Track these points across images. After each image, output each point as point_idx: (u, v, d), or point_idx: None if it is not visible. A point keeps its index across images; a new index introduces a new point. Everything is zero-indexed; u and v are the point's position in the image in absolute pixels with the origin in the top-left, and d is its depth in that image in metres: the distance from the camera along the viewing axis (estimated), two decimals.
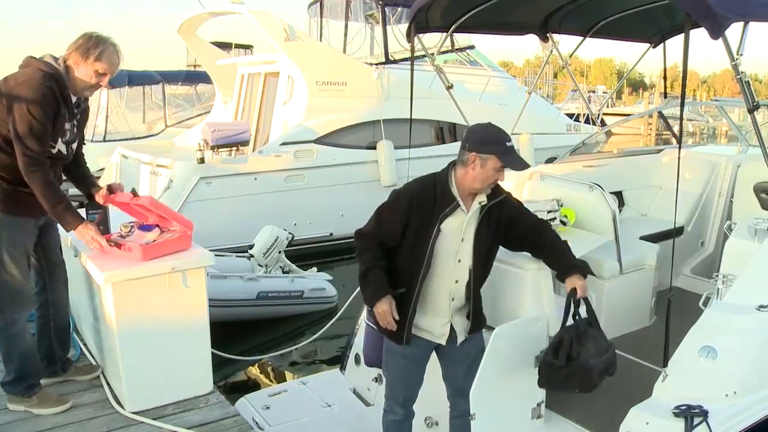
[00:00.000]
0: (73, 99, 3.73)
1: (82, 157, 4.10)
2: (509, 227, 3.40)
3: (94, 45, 3.61)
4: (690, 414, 3.09)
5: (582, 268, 3.43)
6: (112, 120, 14.66)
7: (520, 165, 3.23)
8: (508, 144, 3.18)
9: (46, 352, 4.17)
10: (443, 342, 3.44)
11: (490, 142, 3.17)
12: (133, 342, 3.85)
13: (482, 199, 3.26)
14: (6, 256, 3.66)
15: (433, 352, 3.54)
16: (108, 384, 4.18)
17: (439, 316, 3.39)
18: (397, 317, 3.22)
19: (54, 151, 3.64)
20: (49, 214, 3.72)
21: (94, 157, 13.97)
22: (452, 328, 3.42)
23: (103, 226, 4.04)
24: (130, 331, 3.83)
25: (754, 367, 3.37)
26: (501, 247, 3.55)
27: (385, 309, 3.19)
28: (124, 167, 10.97)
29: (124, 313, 3.79)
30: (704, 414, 3.10)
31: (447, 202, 3.22)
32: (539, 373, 3.47)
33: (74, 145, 3.85)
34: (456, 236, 3.25)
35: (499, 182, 3.32)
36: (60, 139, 3.67)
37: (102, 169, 11.93)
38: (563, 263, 3.47)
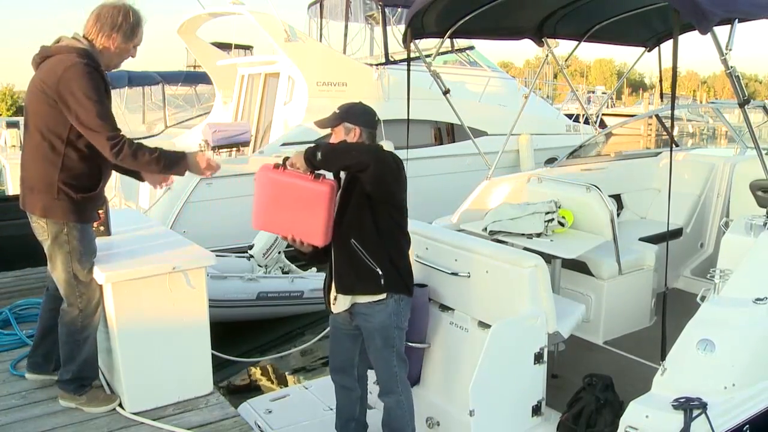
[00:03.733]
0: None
1: None
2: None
3: (137, 23, 3.54)
4: (689, 406, 3.13)
5: (312, 148, 3.37)
6: None
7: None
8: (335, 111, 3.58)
9: (46, 349, 4.15)
10: (333, 310, 3.63)
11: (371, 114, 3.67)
12: (133, 342, 3.85)
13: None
14: (87, 264, 3.67)
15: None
16: (108, 384, 4.19)
17: (327, 279, 3.64)
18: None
19: None
20: (166, 174, 3.75)
21: None
22: (332, 293, 3.59)
23: (104, 227, 4.02)
24: (130, 331, 3.83)
25: (751, 360, 3.40)
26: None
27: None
28: None
29: (124, 313, 3.80)
30: (703, 406, 3.13)
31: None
32: (558, 430, 3.76)
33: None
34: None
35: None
36: None
37: None
38: None
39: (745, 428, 3.30)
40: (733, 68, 3.56)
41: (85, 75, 3.31)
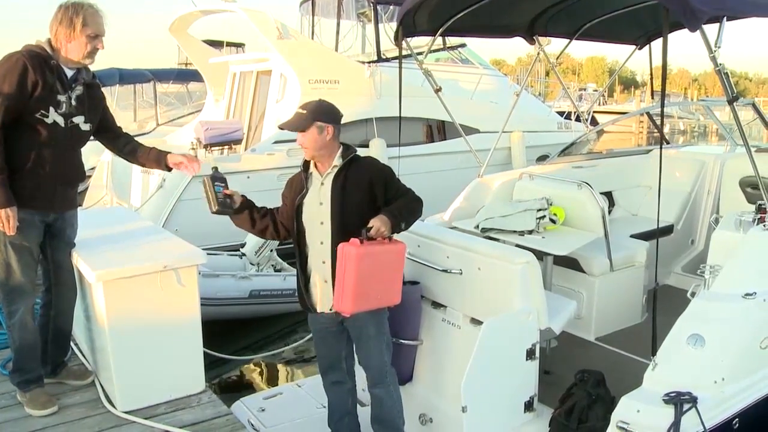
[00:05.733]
0: (69, 73, 3.72)
1: (121, 131, 4.29)
2: (371, 185, 3.53)
3: (75, 13, 3.62)
4: (679, 401, 3.14)
5: (391, 212, 3.41)
6: None
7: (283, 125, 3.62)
8: (298, 110, 3.59)
9: (40, 351, 4.15)
10: (322, 309, 3.62)
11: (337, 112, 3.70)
12: (124, 341, 3.85)
13: (336, 162, 3.57)
14: (3, 247, 3.67)
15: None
16: (100, 383, 4.17)
17: (315, 281, 3.62)
18: None
19: (48, 121, 3.61)
20: None
21: (84, 155, 13.93)
22: (325, 294, 3.57)
23: (229, 199, 3.78)
24: (121, 329, 3.82)
25: (741, 354, 3.43)
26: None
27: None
28: (116, 166, 10.92)
29: (116, 312, 3.79)
30: (693, 400, 3.15)
31: (307, 176, 3.65)
32: (550, 425, 3.76)
33: (80, 120, 3.82)
34: (315, 202, 3.56)
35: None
36: (53, 110, 3.63)
37: (93, 168, 11.89)
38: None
39: (734, 422, 3.33)
40: (722, 65, 3.58)
41: (2, 64, 3.50)
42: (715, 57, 3.54)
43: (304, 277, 3.65)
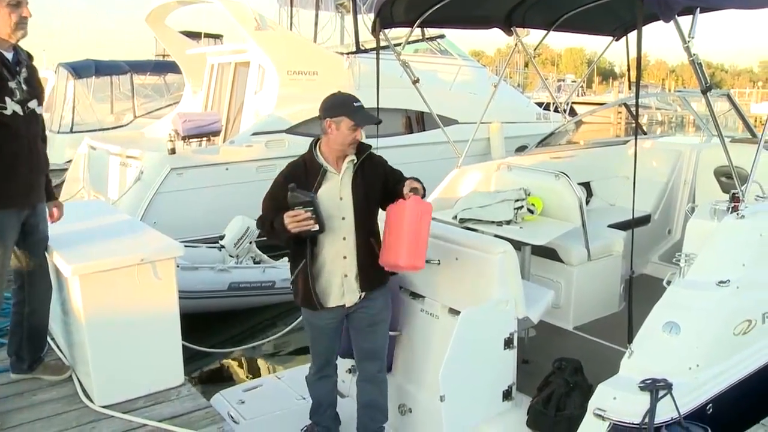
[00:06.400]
0: (9, 56, 3.58)
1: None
2: (387, 181, 3.58)
3: None
4: (655, 387, 3.21)
5: (415, 179, 3.51)
6: (78, 111, 14.42)
7: (371, 120, 3.49)
8: (356, 104, 3.45)
9: (16, 348, 4.11)
10: (341, 303, 3.57)
11: (339, 105, 3.45)
12: (101, 335, 3.83)
13: (352, 157, 3.51)
14: None
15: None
16: (77, 378, 4.15)
17: (334, 277, 3.54)
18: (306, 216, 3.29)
19: (7, 112, 3.51)
20: None
21: (61, 148, 13.83)
22: (345, 290, 3.56)
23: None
24: (98, 324, 3.80)
25: (714, 341, 3.49)
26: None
27: (288, 215, 3.29)
28: (93, 158, 10.82)
29: (92, 306, 3.77)
30: (669, 387, 3.21)
31: (316, 171, 3.48)
32: (528, 414, 3.80)
33: (35, 104, 3.70)
34: (334, 197, 3.47)
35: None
36: (9, 99, 3.52)
37: (70, 161, 11.77)
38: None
39: (708, 407, 3.38)
40: (696, 56, 3.61)
41: None
42: (689, 47, 3.57)
43: (312, 273, 3.52)
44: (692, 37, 3.56)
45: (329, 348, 3.81)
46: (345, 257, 3.52)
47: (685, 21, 3.60)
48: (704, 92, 3.79)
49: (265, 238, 8.34)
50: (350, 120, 3.40)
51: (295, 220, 3.28)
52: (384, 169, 3.62)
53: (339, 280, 3.55)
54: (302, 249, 3.49)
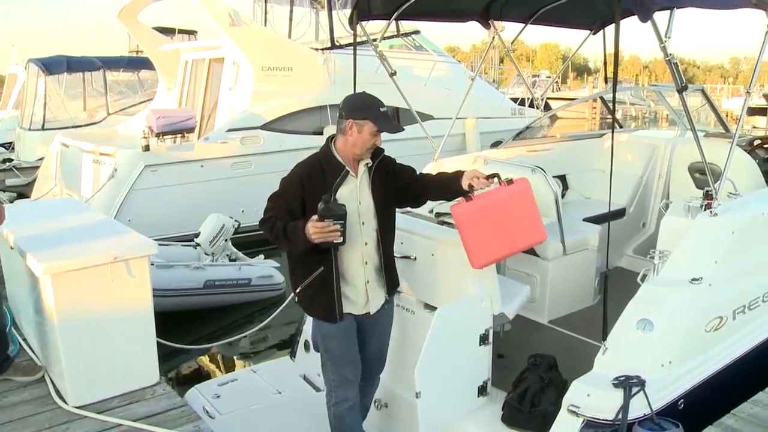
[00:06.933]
0: None
1: None
2: (396, 179, 3.50)
3: None
4: (628, 384, 3.26)
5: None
6: (50, 107, 14.25)
7: (394, 128, 3.38)
8: (381, 109, 3.32)
9: None
10: (366, 311, 3.48)
11: (365, 108, 3.30)
12: (74, 335, 3.77)
13: (367, 161, 3.39)
14: None
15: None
16: (50, 379, 4.09)
17: (357, 284, 3.44)
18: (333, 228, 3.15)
19: None
20: None
21: (32, 145, 13.66)
22: (370, 296, 3.48)
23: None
24: (71, 323, 3.75)
25: (687, 338, 3.53)
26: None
27: (315, 225, 3.13)
28: (65, 156, 10.68)
29: (65, 306, 3.72)
30: (642, 384, 3.26)
31: (336, 172, 3.32)
32: (503, 409, 3.81)
33: None
34: (353, 201, 3.33)
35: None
36: None
37: (41, 159, 11.62)
38: (449, 177, 3.54)
39: (679, 402, 3.43)
40: (672, 56, 3.63)
41: None
42: (666, 47, 3.59)
43: (332, 283, 3.35)
44: (669, 37, 3.58)
45: (356, 364, 3.56)
46: (366, 263, 3.42)
47: (660, 17, 3.62)
48: (680, 91, 3.82)
49: (241, 236, 8.39)
50: (374, 125, 3.27)
51: (322, 232, 3.13)
52: (394, 168, 3.53)
53: (363, 287, 3.44)
54: (315, 257, 3.29)
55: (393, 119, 3.37)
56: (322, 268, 3.32)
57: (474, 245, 3.46)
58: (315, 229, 3.12)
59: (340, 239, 3.18)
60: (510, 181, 3.48)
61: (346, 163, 3.35)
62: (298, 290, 3.44)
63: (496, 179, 3.42)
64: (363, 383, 3.69)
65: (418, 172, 3.66)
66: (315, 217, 3.14)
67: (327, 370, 3.60)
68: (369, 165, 3.41)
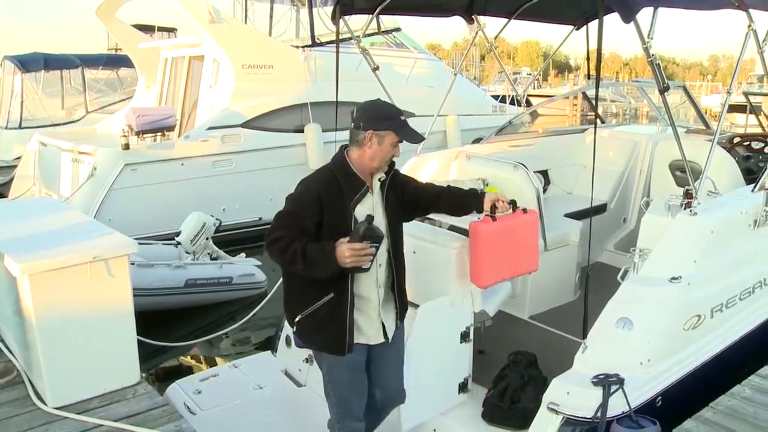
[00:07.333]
0: None
1: None
2: (404, 192, 3.32)
3: None
4: (607, 383, 3.29)
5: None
6: (27, 106, 14.10)
7: (417, 137, 3.19)
8: (402, 118, 3.11)
9: None
10: (378, 340, 3.23)
11: (386, 117, 3.08)
12: (53, 335, 3.73)
13: (380, 175, 3.16)
14: None
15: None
16: (29, 380, 4.04)
17: (370, 311, 3.18)
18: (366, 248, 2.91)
19: None
20: None
21: (8, 144, 13.51)
22: (384, 324, 3.24)
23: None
24: (49, 324, 3.71)
25: (666, 336, 3.57)
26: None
27: (352, 247, 2.86)
28: (44, 155, 10.58)
29: (43, 306, 3.68)
30: (620, 382, 3.29)
31: (355, 188, 3.07)
32: (484, 406, 3.84)
33: None
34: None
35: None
36: None
37: (19, 158, 11.49)
38: (465, 194, 3.52)
39: (657, 399, 3.46)
40: (655, 56, 3.65)
41: None
42: (648, 48, 3.60)
43: (345, 312, 3.08)
44: (651, 38, 3.59)
45: (363, 398, 3.31)
46: (380, 286, 3.18)
47: (643, 21, 3.64)
48: (662, 92, 3.85)
49: (222, 234, 8.34)
50: (396, 135, 3.05)
51: (359, 255, 2.86)
52: (401, 180, 3.34)
53: (376, 313, 3.19)
54: (323, 282, 2.99)
55: (413, 128, 3.15)
56: (331, 294, 3.04)
57: (488, 265, 3.51)
58: (352, 252, 2.84)
59: (369, 265, 2.94)
60: (525, 210, 3.55)
61: (366, 178, 3.11)
62: (297, 319, 3.13)
63: (511, 206, 3.49)
64: (374, 416, 3.48)
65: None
66: (345, 239, 2.88)
67: (331, 400, 3.33)
68: (382, 179, 3.16)
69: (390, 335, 3.26)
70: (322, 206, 2.97)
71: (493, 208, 3.44)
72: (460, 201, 3.50)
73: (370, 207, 3.10)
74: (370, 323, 3.19)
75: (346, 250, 2.85)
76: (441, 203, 3.50)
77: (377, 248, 2.92)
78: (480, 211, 3.48)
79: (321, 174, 3.11)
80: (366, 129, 3.02)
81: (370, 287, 3.15)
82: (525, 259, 3.65)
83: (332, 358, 3.16)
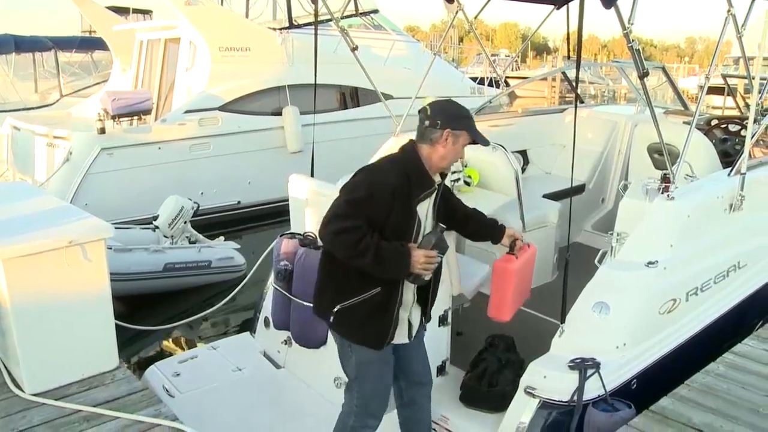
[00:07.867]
0: None
1: None
2: (446, 201, 3.28)
3: None
4: (584, 366, 3.33)
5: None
6: None
7: (485, 140, 3.11)
8: (474, 119, 3.11)
9: None
10: (401, 340, 3.22)
11: (463, 117, 3.04)
12: (29, 321, 3.71)
13: (438, 178, 3.10)
14: None
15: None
16: (5, 367, 4.01)
17: (404, 312, 3.16)
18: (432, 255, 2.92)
19: None
20: None
21: None
22: (412, 323, 3.26)
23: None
24: (25, 309, 3.68)
25: (641, 320, 3.61)
26: None
27: (428, 254, 2.88)
28: (17, 139, 10.43)
29: (18, 292, 3.64)
30: (596, 366, 3.34)
31: (423, 188, 2.98)
32: (462, 389, 3.87)
33: None
34: (424, 219, 3.05)
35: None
36: None
37: None
38: (489, 225, 3.52)
39: (632, 382, 3.51)
40: (635, 42, 3.65)
41: None
42: (628, 34, 3.60)
43: (393, 309, 3.05)
44: (632, 24, 3.59)
45: (385, 399, 3.30)
46: (416, 288, 3.17)
47: (623, 5, 3.64)
48: (641, 77, 3.86)
49: (201, 218, 8.29)
50: (470, 136, 3.02)
51: (430, 263, 2.89)
52: (447, 187, 3.33)
53: (407, 313, 3.18)
54: (371, 276, 2.92)
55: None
56: (378, 289, 2.97)
57: (511, 300, 3.53)
58: (426, 259, 2.86)
59: (429, 276, 2.98)
60: (528, 244, 3.59)
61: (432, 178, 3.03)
62: (337, 309, 3.04)
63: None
64: (421, 397, 3.51)
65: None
66: (414, 245, 2.90)
67: (353, 394, 3.28)
68: (439, 183, 3.10)
69: (413, 335, 3.28)
70: (394, 200, 2.87)
71: (512, 244, 3.47)
72: (484, 231, 3.51)
73: (427, 208, 3.06)
74: (404, 322, 3.20)
75: (421, 257, 2.85)
76: (467, 225, 3.48)
77: (441, 259, 2.94)
78: (496, 242, 3.51)
79: (393, 167, 2.98)
80: (444, 127, 2.96)
81: (409, 288, 3.13)
82: (527, 287, 3.73)
83: (365, 352, 3.11)
